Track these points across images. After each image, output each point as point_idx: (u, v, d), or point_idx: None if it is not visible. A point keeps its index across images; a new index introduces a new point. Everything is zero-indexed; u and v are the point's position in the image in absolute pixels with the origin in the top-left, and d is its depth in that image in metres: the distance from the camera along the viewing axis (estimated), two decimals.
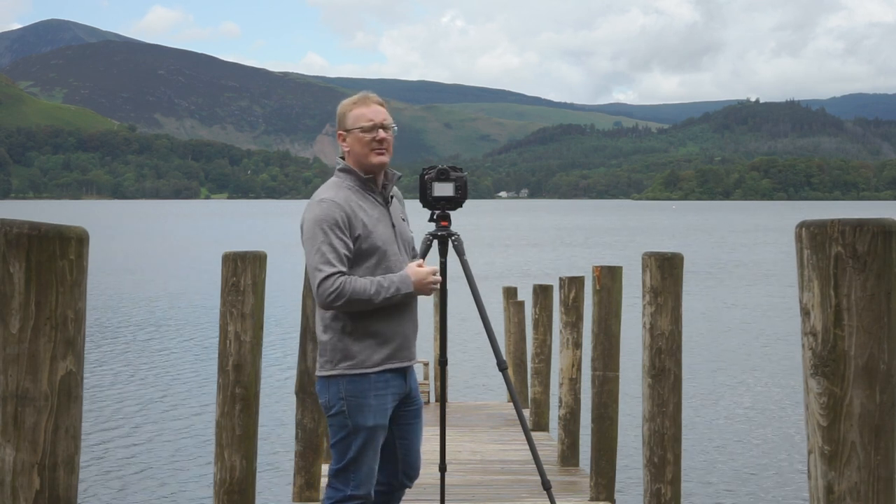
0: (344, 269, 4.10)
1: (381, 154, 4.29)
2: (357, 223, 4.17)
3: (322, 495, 6.58)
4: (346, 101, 4.38)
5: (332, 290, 4.06)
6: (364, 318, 4.18)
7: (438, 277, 4.39)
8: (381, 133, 4.28)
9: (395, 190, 4.45)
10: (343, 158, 4.39)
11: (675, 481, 5.43)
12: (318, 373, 4.29)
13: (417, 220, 5.23)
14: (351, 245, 4.14)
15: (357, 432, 4.20)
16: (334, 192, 4.22)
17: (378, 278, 4.16)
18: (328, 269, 4.07)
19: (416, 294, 4.29)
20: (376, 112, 4.31)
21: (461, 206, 5.12)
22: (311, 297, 6.78)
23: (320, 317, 4.24)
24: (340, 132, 4.34)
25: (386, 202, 4.35)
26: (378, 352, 4.20)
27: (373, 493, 4.33)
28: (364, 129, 4.28)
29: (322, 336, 4.24)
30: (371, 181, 4.30)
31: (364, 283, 4.12)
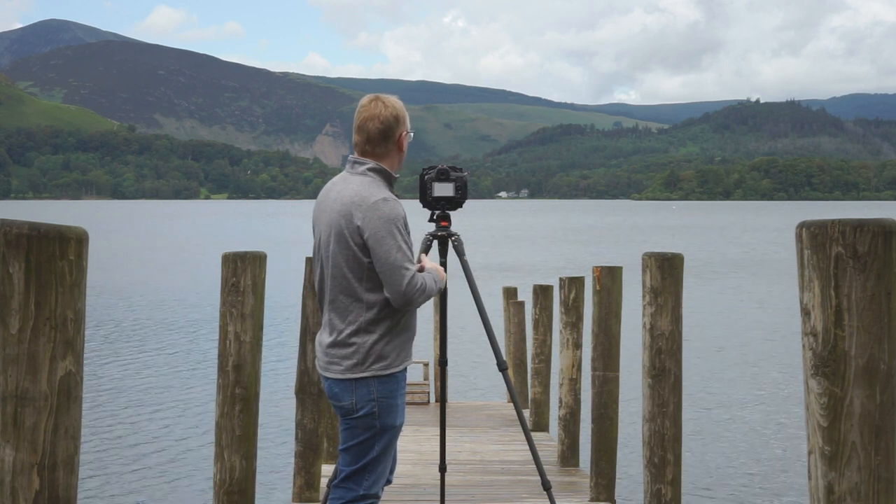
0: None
1: None
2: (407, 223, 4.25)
3: (321, 495, 6.59)
4: (401, 103, 4.35)
5: (418, 287, 4.11)
6: (401, 319, 4.19)
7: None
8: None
9: None
10: (362, 155, 4.29)
11: (676, 482, 5.42)
12: (339, 375, 4.18)
13: (417, 220, 5.23)
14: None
15: (384, 433, 4.20)
16: (386, 191, 4.21)
17: (428, 275, 4.24)
18: (413, 268, 4.12)
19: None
20: None
21: (461, 207, 5.12)
22: (311, 297, 6.77)
23: (352, 319, 4.15)
24: (406, 132, 4.33)
25: None
26: (404, 351, 4.24)
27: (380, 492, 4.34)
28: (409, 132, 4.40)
29: (353, 338, 4.14)
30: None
31: (429, 278, 4.21)
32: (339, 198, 4.20)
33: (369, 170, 4.23)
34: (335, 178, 4.36)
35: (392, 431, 4.22)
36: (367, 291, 4.13)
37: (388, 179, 4.27)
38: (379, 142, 4.25)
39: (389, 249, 4.06)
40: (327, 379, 4.24)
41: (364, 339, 4.14)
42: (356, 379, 4.15)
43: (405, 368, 4.27)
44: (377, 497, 4.30)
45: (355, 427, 4.19)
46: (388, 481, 4.50)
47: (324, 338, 4.26)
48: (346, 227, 4.13)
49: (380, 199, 4.12)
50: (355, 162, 4.28)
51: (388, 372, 4.16)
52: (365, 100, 4.32)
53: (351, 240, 4.12)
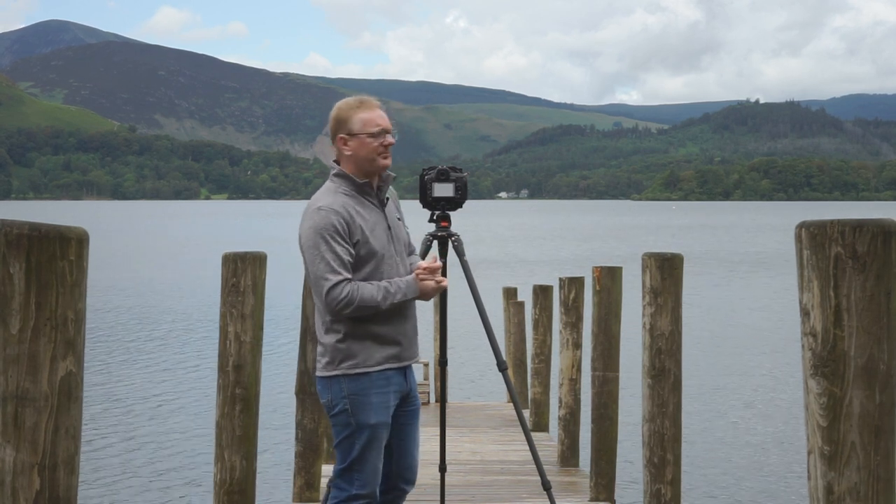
0: (349, 276, 4.13)
1: (387, 158, 4.31)
2: (355, 229, 4.17)
3: (322, 495, 6.59)
4: (343, 105, 4.30)
5: (341, 298, 4.08)
6: (365, 321, 4.20)
7: (445, 283, 4.40)
8: (389, 138, 4.29)
9: (390, 190, 4.45)
10: (337, 162, 4.33)
11: (675, 482, 5.43)
12: (318, 373, 4.31)
13: (417, 220, 5.23)
14: (352, 251, 4.16)
15: (361, 430, 4.22)
16: (331, 198, 4.19)
17: (385, 283, 4.18)
18: (335, 278, 4.08)
19: (422, 299, 4.33)
20: (382, 117, 4.30)
21: (461, 207, 5.12)
22: (311, 297, 6.78)
23: (321, 319, 4.26)
24: (342, 136, 4.26)
25: (382, 204, 4.35)
26: (379, 351, 4.22)
27: (377, 492, 4.34)
28: (372, 135, 4.25)
29: (323, 338, 4.25)
30: (367, 185, 4.28)
31: (371, 289, 4.14)
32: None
33: (334, 175, 4.29)
34: None
35: (370, 430, 4.21)
36: None
37: (352, 182, 4.26)
38: (334, 144, 4.35)
39: (313, 259, 4.11)
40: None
41: (329, 339, 4.22)
42: (329, 377, 4.24)
43: (388, 370, 4.24)
44: (372, 496, 4.29)
45: (336, 424, 4.27)
46: (404, 489, 4.49)
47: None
48: (300, 236, 4.22)
49: (314, 208, 4.16)
50: (331, 166, 4.39)
51: (356, 371, 4.19)
52: None
53: (300, 247, 4.24)
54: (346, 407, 4.21)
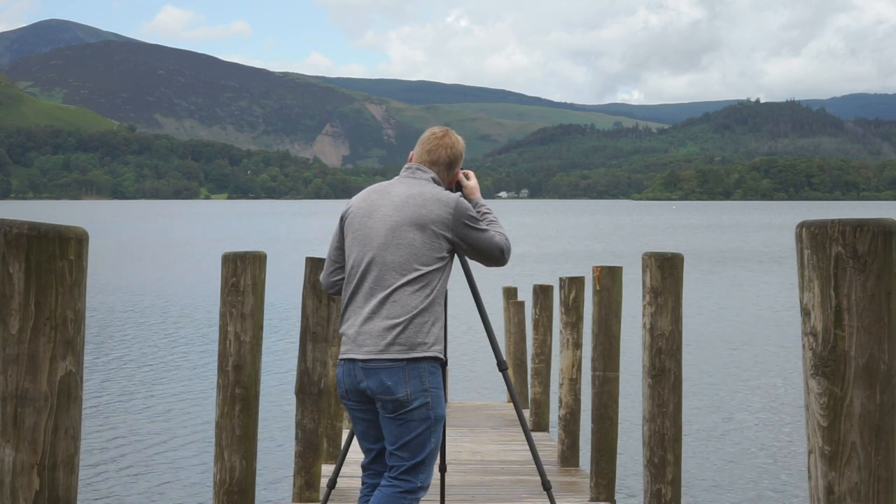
0: None
1: None
2: None
3: (321, 495, 6.59)
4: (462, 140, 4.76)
5: (504, 238, 4.60)
6: (443, 304, 4.36)
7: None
8: None
9: None
10: (427, 164, 4.61)
11: (676, 482, 5.42)
12: (393, 355, 4.18)
13: None
14: None
15: (437, 424, 4.27)
16: None
17: (489, 226, 4.61)
18: (490, 227, 4.60)
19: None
20: None
21: None
22: (311, 297, 6.76)
23: (414, 305, 4.22)
24: (460, 169, 4.78)
25: None
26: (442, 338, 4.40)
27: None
28: None
29: (417, 318, 4.21)
30: None
31: (497, 227, 4.63)
32: (417, 194, 4.40)
33: (433, 178, 4.56)
34: (392, 182, 4.54)
35: (442, 422, 4.31)
36: (429, 280, 4.28)
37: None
38: (443, 168, 4.63)
39: (484, 230, 4.49)
40: (377, 370, 4.21)
41: (423, 319, 4.22)
42: (408, 360, 4.18)
43: None
44: (427, 488, 4.35)
45: (412, 419, 4.22)
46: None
47: (374, 325, 4.23)
48: (429, 219, 4.33)
49: (457, 196, 4.48)
50: (418, 169, 4.56)
51: (441, 355, 4.27)
52: (438, 130, 4.70)
53: (434, 230, 4.32)
54: (426, 400, 4.21)
